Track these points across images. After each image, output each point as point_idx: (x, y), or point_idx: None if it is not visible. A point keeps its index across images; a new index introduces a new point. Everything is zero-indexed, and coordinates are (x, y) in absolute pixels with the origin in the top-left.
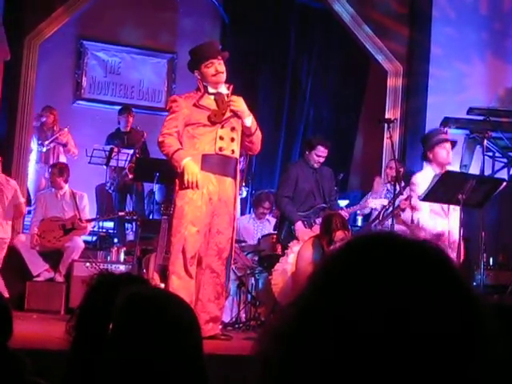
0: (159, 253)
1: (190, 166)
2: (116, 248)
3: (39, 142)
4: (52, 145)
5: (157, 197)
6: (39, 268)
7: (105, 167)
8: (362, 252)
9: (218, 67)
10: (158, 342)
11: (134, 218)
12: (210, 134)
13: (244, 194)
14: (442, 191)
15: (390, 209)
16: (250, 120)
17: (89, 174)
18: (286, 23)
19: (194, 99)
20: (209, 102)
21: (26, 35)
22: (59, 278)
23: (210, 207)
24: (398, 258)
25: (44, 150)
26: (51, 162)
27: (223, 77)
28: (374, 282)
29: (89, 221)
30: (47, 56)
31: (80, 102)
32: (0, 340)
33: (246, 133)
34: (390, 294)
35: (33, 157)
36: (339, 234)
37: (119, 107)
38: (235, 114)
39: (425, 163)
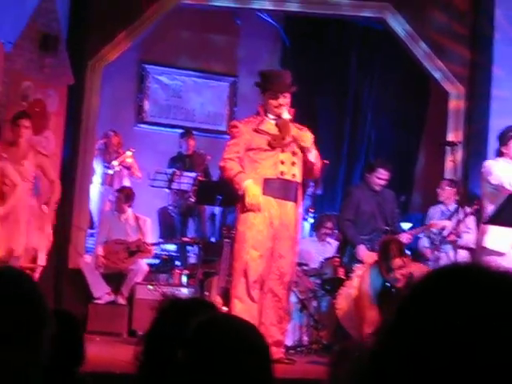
0: (222, 276)
1: (252, 189)
2: (178, 271)
3: (105, 165)
4: (119, 167)
5: (219, 220)
6: (101, 290)
7: (167, 190)
8: (451, 287)
9: (281, 101)
10: (230, 367)
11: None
12: (271, 159)
13: (311, 221)
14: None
15: (446, 232)
16: (313, 155)
17: (151, 196)
18: (347, 46)
19: (255, 124)
20: (269, 126)
21: (88, 60)
22: (122, 301)
23: (271, 231)
24: (492, 294)
25: (111, 172)
26: (115, 185)
27: (285, 109)
28: (467, 324)
29: (153, 244)
30: (110, 80)
31: (142, 125)
32: (72, 366)
33: (308, 165)
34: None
35: (96, 179)
36: (397, 262)
37: (181, 130)
38: (296, 140)
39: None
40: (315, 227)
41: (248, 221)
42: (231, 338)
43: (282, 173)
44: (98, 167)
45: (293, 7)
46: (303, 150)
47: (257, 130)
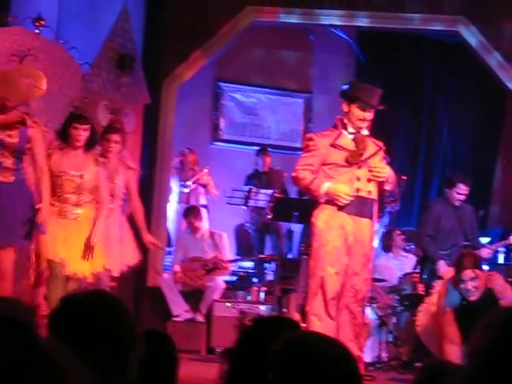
0: (300, 292)
1: (332, 187)
2: (256, 288)
3: (181, 183)
4: (194, 186)
5: (296, 236)
6: (179, 308)
7: (244, 207)
8: None
9: (367, 116)
10: None
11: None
12: (346, 175)
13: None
14: None
15: None
16: (389, 187)
17: (228, 214)
18: (421, 59)
19: (332, 138)
20: (346, 141)
21: (164, 79)
22: (200, 318)
23: (346, 248)
24: None
25: (187, 190)
26: (192, 203)
27: (366, 125)
28: None
29: (230, 261)
30: (185, 98)
31: (218, 143)
32: None
33: (381, 190)
34: None
35: (173, 197)
36: (468, 273)
37: (257, 148)
38: (372, 172)
39: None
40: (385, 244)
41: (323, 237)
42: (320, 356)
43: (357, 189)
44: (174, 186)
45: (363, 22)
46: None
47: (333, 145)
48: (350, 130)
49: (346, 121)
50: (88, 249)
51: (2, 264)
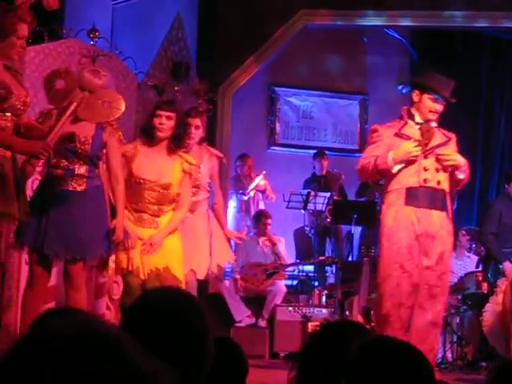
0: (362, 295)
1: (396, 150)
2: (317, 291)
3: (240, 192)
4: (253, 192)
5: (356, 238)
6: (242, 314)
7: (303, 211)
8: None
9: (438, 108)
10: None
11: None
12: (413, 166)
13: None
14: None
15: None
16: (463, 175)
17: (287, 218)
18: (476, 57)
19: (396, 128)
20: (412, 131)
21: (219, 85)
22: (262, 323)
23: (418, 244)
24: None
25: (246, 198)
26: (252, 210)
27: (436, 117)
28: None
29: (290, 265)
30: (240, 104)
31: (274, 147)
32: None
33: (455, 181)
34: None
35: (231, 205)
36: None
37: (313, 151)
38: (440, 145)
39: None
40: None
41: (393, 235)
42: (396, 362)
43: (425, 180)
44: (232, 195)
45: (407, 22)
46: (447, 169)
47: (398, 135)
48: (418, 120)
49: (413, 111)
50: (147, 248)
51: (76, 275)
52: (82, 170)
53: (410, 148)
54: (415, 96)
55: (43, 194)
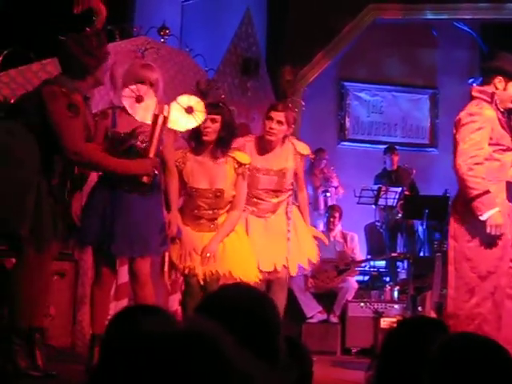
0: (435, 290)
1: (497, 219)
2: (389, 287)
3: (315, 185)
4: (327, 188)
5: (427, 234)
6: (313, 310)
7: (373, 207)
8: None
9: None
10: None
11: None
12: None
13: None
14: None
15: None
16: None
17: (358, 214)
18: None
19: (494, 110)
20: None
21: None
22: (334, 319)
23: (502, 242)
24: None
25: (329, 194)
26: (321, 206)
27: None
28: None
29: (361, 262)
30: (310, 100)
31: (344, 143)
32: None
33: None
34: None
35: None
36: None
37: (383, 146)
38: None
39: None
40: None
41: (470, 236)
42: (482, 359)
43: None
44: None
45: (467, 14)
46: None
47: (498, 119)
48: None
49: (499, 98)
50: (204, 259)
51: (141, 272)
52: None
53: (498, 232)
54: (498, 82)
55: (103, 194)
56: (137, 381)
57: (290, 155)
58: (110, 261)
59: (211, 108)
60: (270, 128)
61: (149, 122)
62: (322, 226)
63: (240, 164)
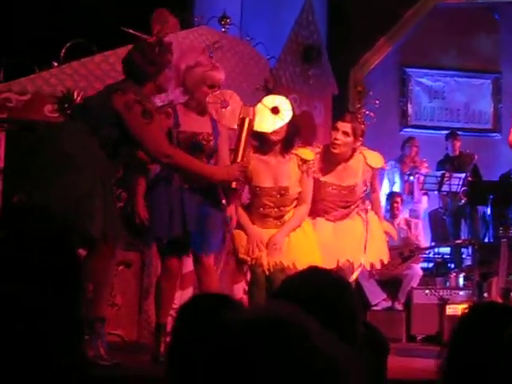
0: (501, 276)
1: None
2: (454, 274)
3: (407, 172)
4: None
5: (492, 220)
6: (377, 297)
7: (436, 193)
8: None
9: None
10: None
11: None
12: None
13: None
14: None
15: None
16: None
17: (421, 200)
18: None
19: None
20: None
21: (350, 68)
22: (398, 306)
23: None
24: None
25: (412, 178)
26: (415, 194)
27: None
28: None
29: (426, 248)
30: (372, 86)
31: (406, 129)
32: None
33: None
34: None
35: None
36: None
37: (445, 132)
38: None
39: None
40: None
41: None
42: None
43: None
44: (396, 176)
45: None
46: None
47: None
48: None
49: None
50: (271, 250)
51: (207, 262)
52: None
53: None
54: None
55: (168, 189)
56: (218, 369)
57: (359, 169)
58: (177, 253)
59: None
60: (335, 139)
61: (235, 126)
62: (407, 213)
63: (304, 161)
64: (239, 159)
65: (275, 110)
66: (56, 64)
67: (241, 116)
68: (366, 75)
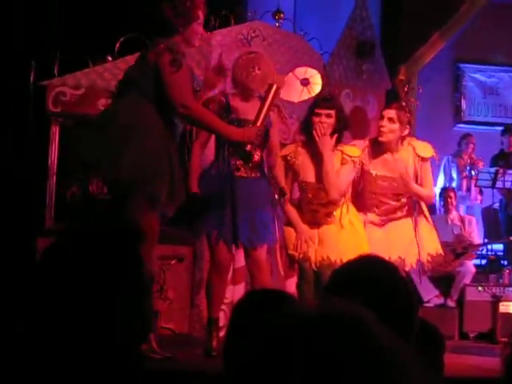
0: None
1: None
2: (507, 271)
3: (467, 169)
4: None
5: None
6: (430, 294)
7: (491, 189)
8: None
9: None
10: None
11: None
12: None
13: None
14: None
15: None
16: None
17: (475, 196)
18: None
19: None
20: None
21: (402, 63)
22: (451, 303)
23: None
24: None
25: (473, 173)
26: (463, 188)
27: None
28: None
29: (479, 245)
30: (425, 82)
31: (460, 125)
32: None
33: None
34: None
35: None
36: None
37: (500, 128)
38: None
39: None
40: None
41: None
42: None
43: None
44: (453, 172)
45: None
46: None
47: None
48: None
49: None
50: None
51: (260, 257)
52: (256, 156)
53: None
54: None
55: (220, 180)
56: (280, 367)
57: (409, 159)
58: (228, 247)
59: (326, 103)
60: (381, 126)
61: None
62: (463, 210)
63: (346, 161)
64: (259, 123)
65: (305, 82)
66: (110, 58)
67: (269, 82)
68: (419, 70)
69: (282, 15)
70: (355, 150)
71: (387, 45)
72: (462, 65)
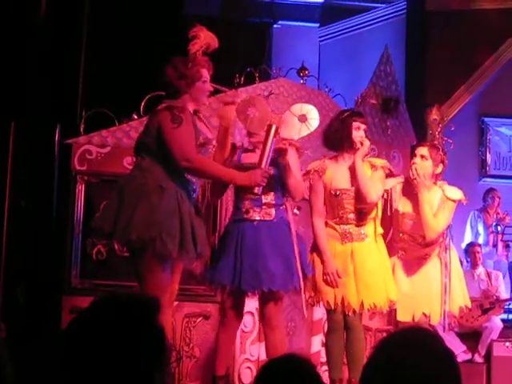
0: None
1: None
2: None
3: (494, 224)
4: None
5: None
6: (457, 349)
7: None
8: None
9: None
10: None
11: None
12: None
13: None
14: None
15: None
16: None
17: (502, 251)
18: None
19: None
20: None
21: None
22: (479, 359)
23: None
24: None
25: (500, 228)
26: (498, 246)
27: None
28: None
29: (506, 300)
30: (450, 136)
31: (486, 179)
32: None
33: None
34: None
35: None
36: None
37: None
38: None
39: None
40: None
41: None
42: None
43: None
44: (480, 227)
45: None
46: None
47: None
48: None
49: None
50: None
51: (272, 314)
52: (268, 198)
53: None
54: None
55: (236, 231)
56: None
57: (436, 200)
58: (239, 302)
59: (359, 117)
60: (413, 163)
61: (262, 132)
62: (490, 265)
63: (376, 168)
64: (263, 165)
65: (302, 118)
66: (136, 117)
67: (268, 123)
68: (450, 125)
69: (306, 72)
70: (381, 160)
71: (412, 99)
72: (486, 118)
